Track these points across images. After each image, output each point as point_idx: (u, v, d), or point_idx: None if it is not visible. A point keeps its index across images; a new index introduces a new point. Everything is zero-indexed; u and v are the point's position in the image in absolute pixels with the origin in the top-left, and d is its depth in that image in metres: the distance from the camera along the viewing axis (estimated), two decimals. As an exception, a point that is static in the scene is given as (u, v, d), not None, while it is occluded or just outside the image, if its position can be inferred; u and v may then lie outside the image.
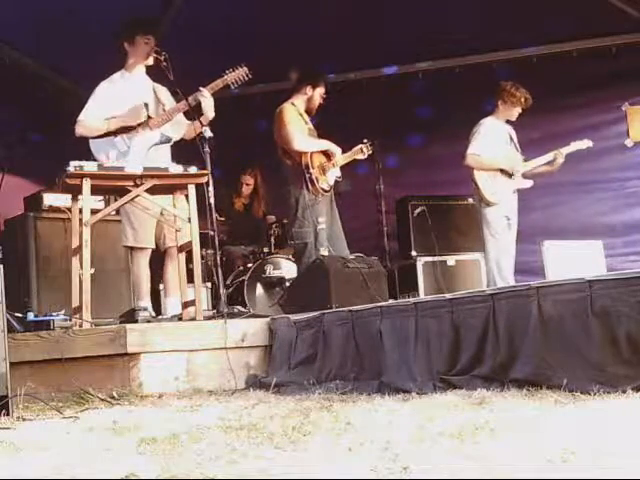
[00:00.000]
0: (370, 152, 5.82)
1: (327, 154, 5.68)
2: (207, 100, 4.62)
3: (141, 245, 4.73)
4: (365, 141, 5.76)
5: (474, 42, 6.82)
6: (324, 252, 5.31)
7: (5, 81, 5.92)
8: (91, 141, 4.58)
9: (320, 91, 5.75)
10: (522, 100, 5.87)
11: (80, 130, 4.61)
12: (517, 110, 5.93)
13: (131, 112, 4.56)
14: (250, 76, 4.72)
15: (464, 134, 6.20)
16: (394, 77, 7.36)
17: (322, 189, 5.53)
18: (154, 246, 4.71)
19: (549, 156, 5.95)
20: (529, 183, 5.93)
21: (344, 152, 5.72)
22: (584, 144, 6.07)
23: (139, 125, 4.56)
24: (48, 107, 6.33)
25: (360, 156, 5.82)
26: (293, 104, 5.69)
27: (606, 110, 7.05)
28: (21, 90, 6.13)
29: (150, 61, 4.72)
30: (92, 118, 4.60)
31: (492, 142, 5.90)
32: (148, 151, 4.55)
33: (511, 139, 6.01)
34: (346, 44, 6.34)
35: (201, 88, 4.62)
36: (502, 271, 5.79)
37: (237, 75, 4.69)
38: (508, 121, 6.01)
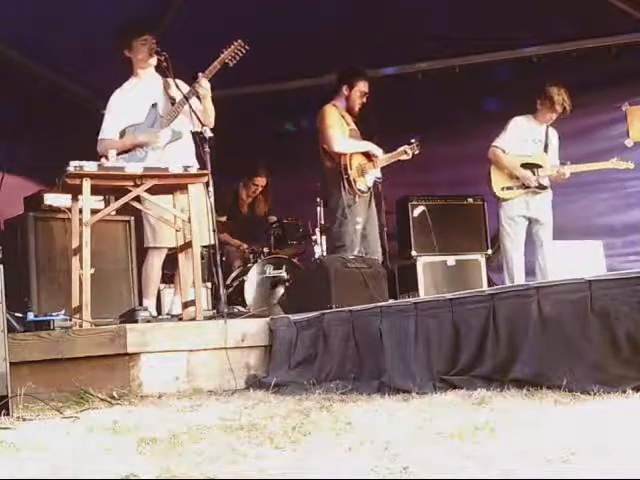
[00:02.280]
0: (417, 152, 5.83)
1: (368, 155, 5.70)
2: (203, 90, 4.60)
3: (160, 245, 4.76)
4: (412, 141, 5.78)
5: (474, 42, 6.81)
6: (356, 252, 5.34)
7: (5, 80, 5.91)
8: None
9: (359, 90, 5.76)
10: (557, 107, 5.79)
11: (101, 149, 4.66)
12: (552, 115, 5.88)
13: (146, 136, 4.57)
14: (247, 48, 4.61)
15: (464, 134, 6.20)
16: (394, 77, 7.36)
17: (359, 190, 5.57)
18: (173, 244, 4.68)
19: (553, 170, 5.91)
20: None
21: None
22: (624, 165, 6.00)
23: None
24: (48, 107, 6.33)
25: (404, 157, 5.84)
26: (335, 105, 5.72)
27: (606, 110, 7.04)
28: (21, 90, 6.13)
29: (154, 61, 4.73)
30: (110, 137, 4.66)
31: (514, 138, 5.90)
32: (164, 150, 4.58)
33: (546, 141, 5.95)
34: (346, 44, 6.34)
35: (199, 74, 4.59)
36: (509, 269, 5.83)
37: (233, 51, 4.61)
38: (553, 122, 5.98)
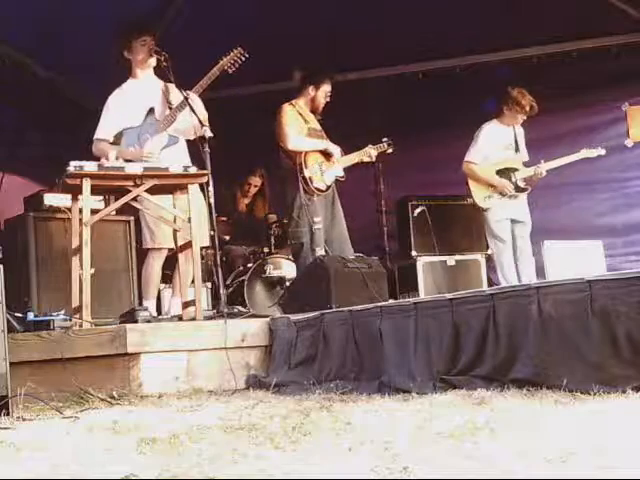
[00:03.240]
0: (389, 151, 5.89)
1: (327, 154, 5.69)
2: (194, 103, 4.55)
3: (158, 246, 4.76)
4: (384, 140, 5.82)
5: (474, 42, 6.81)
6: (320, 252, 5.30)
7: (5, 81, 5.91)
8: None
9: (324, 90, 5.77)
10: (527, 109, 5.94)
11: (95, 151, 4.65)
12: (521, 117, 6.02)
13: (135, 153, 4.52)
14: (246, 55, 4.58)
15: (464, 134, 6.20)
16: (394, 77, 7.36)
17: (317, 189, 5.54)
18: (172, 245, 4.67)
19: (530, 170, 6.01)
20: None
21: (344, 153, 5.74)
22: (595, 152, 6.09)
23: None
24: (48, 107, 6.33)
25: (366, 159, 5.85)
26: (292, 104, 5.71)
27: (606, 110, 7.05)
28: (21, 90, 6.13)
29: (153, 61, 4.71)
30: (104, 137, 4.64)
31: (488, 149, 6.00)
32: (160, 154, 4.56)
33: (516, 142, 6.06)
34: (346, 44, 6.34)
35: (189, 92, 4.56)
36: (503, 270, 5.86)
37: (232, 58, 4.59)
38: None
